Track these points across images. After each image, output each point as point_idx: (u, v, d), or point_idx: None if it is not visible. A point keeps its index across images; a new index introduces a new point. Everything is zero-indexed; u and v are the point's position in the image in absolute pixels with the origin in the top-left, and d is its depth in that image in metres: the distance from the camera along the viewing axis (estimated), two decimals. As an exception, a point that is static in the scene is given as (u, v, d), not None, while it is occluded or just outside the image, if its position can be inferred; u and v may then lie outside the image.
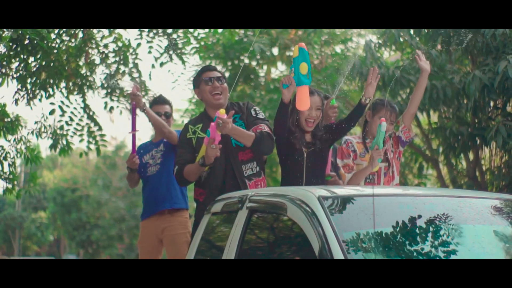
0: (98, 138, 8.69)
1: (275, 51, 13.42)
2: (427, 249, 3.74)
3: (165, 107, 7.07)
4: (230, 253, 4.50)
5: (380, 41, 10.10)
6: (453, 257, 3.68)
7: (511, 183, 9.02)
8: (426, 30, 9.54)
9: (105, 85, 8.65)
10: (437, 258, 3.67)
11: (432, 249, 3.76)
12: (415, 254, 3.68)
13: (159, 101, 7.12)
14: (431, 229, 3.91)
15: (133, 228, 33.99)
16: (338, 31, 13.41)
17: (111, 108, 8.94)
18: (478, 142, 9.49)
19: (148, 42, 8.40)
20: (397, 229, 3.83)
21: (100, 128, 8.75)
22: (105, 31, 8.39)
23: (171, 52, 8.42)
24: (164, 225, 6.89)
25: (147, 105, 6.79)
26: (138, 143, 7.03)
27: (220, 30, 11.61)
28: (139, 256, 7.14)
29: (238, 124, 5.73)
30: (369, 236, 3.70)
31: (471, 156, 10.10)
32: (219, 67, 13.29)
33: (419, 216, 3.98)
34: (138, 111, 6.71)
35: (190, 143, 5.90)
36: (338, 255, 3.47)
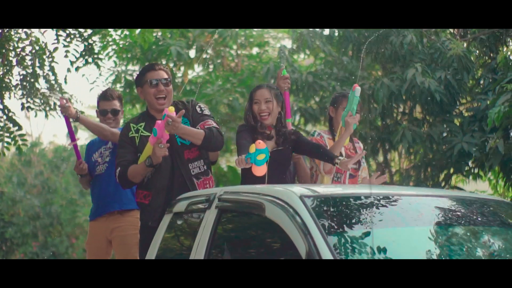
0: (17, 138, 8.65)
1: (192, 53, 13.53)
2: (417, 249, 3.66)
3: (112, 104, 6.62)
4: (198, 256, 4.27)
5: (294, 47, 10.33)
6: (441, 257, 3.63)
7: (418, 184, 9.39)
8: (337, 33, 9.82)
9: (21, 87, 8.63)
10: (428, 259, 3.58)
11: (422, 248, 3.67)
12: (400, 254, 3.56)
13: (105, 97, 6.68)
14: (420, 229, 3.83)
15: (47, 226, 33.58)
16: (255, 32, 13.58)
17: (29, 107, 8.89)
18: (387, 146, 9.84)
19: (65, 46, 8.40)
20: (382, 229, 3.73)
21: (20, 128, 8.69)
22: (22, 34, 8.37)
23: (87, 56, 8.41)
24: (113, 226, 6.52)
25: (80, 113, 6.43)
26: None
27: (137, 31, 11.66)
28: (86, 257, 6.81)
29: (183, 121, 5.36)
30: (355, 237, 3.61)
31: (380, 158, 10.44)
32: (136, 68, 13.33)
33: (407, 216, 3.92)
34: (72, 120, 6.42)
35: (132, 142, 5.60)
36: (327, 257, 3.33)
